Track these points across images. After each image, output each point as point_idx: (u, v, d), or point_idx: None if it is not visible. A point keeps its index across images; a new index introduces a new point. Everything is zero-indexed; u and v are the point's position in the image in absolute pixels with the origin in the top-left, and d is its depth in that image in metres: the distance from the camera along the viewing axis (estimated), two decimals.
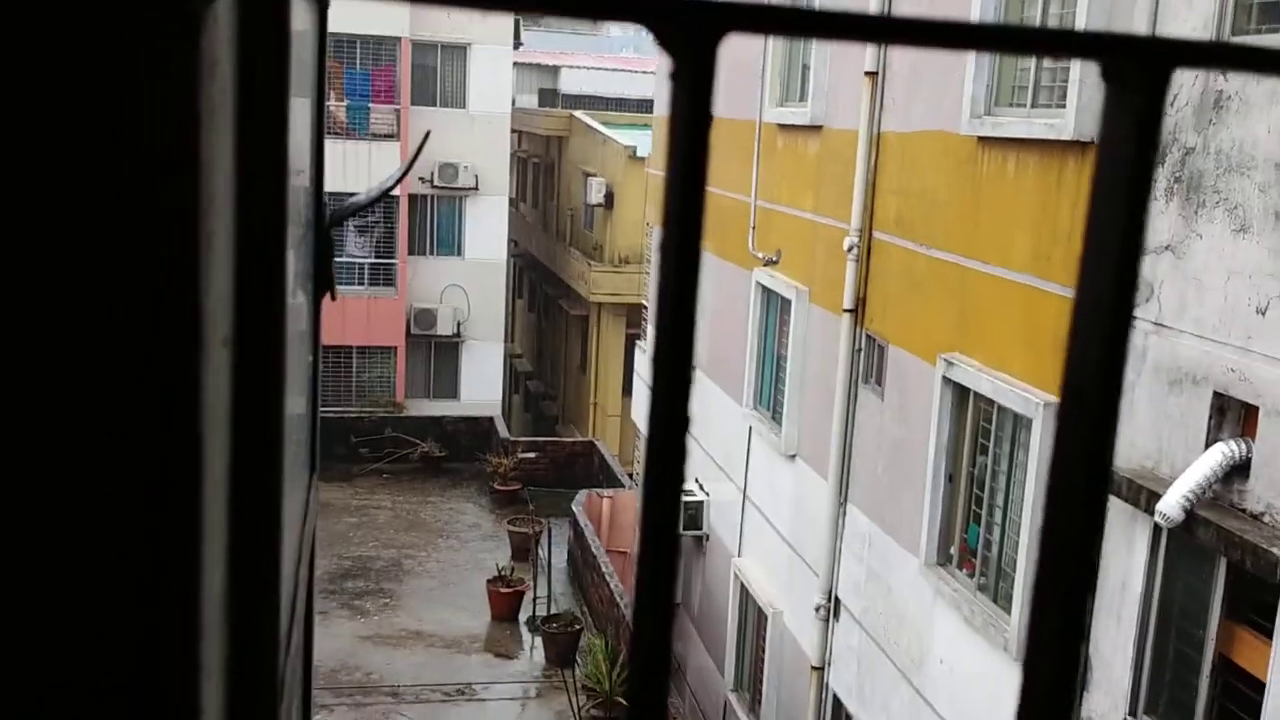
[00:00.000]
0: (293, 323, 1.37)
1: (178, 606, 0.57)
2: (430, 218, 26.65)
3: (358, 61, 25.35)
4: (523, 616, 17.30)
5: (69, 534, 0.54)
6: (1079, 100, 7.26)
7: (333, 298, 1.81)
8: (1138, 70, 0.45)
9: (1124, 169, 0.45)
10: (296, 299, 1.54)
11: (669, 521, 0.43)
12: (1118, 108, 0.45)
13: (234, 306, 0.73)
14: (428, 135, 3.47)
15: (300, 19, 1.44)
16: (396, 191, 24.76)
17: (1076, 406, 0.48)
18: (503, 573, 17.55)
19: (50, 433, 0.53)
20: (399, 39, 25.25)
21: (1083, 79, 7.25)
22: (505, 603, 17.25)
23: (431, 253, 26.71)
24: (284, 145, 0.82)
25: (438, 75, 26.03)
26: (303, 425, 1.67)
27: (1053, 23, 7.93)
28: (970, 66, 8.50)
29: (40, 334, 0.51)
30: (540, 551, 18.03)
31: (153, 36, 0.47)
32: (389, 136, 25.04)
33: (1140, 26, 6.75)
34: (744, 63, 13.19)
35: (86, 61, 0.47)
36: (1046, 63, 8.00)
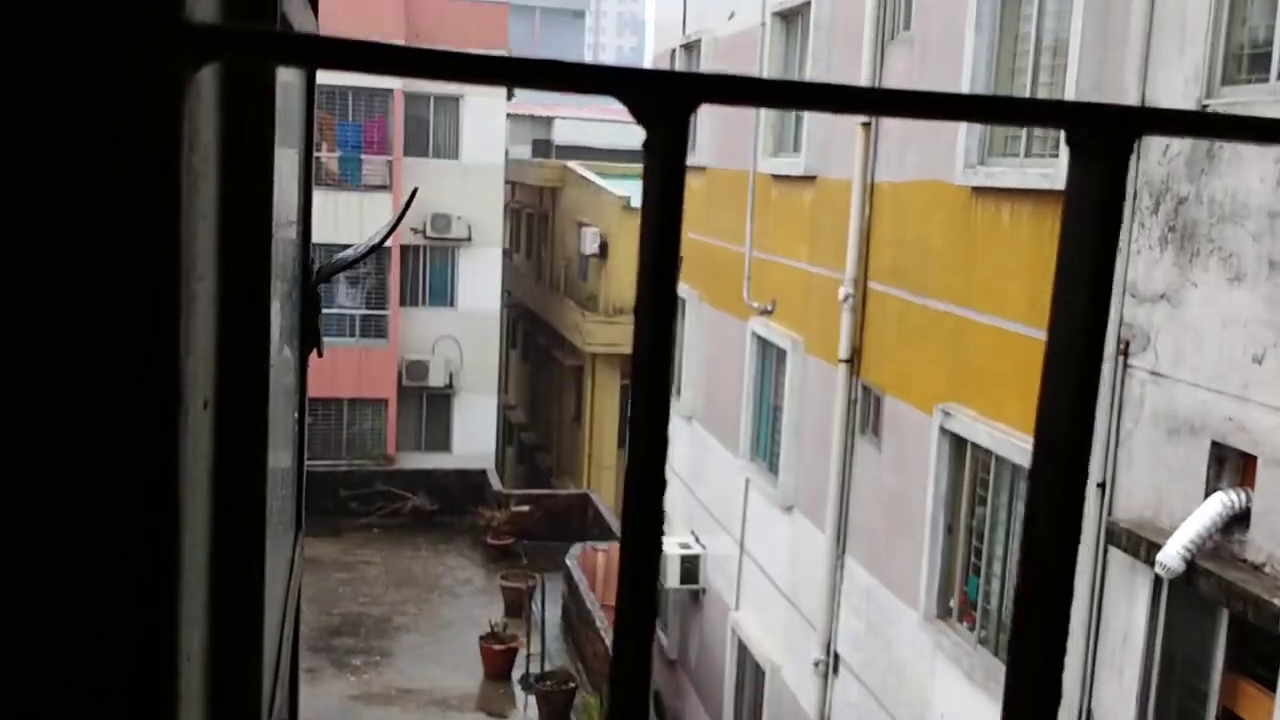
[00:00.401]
0: (277, 380, 1.33)
1: (155, 666, 0.57)
2: (423, 268, 26.69)
3: (350, 113, 25.53)
4: (516, 674, 17.07)
5: (39, 594, 0.54)
6: None
7: (319, 354, 1.76)
8: (1101, 138, 0.46)
9: (1089, 235, 0.47)
10: (283, 355, 1.50)
11: (649, 574, 0.44)
12: (1081, 174, 0.46)
13: (216, 368, 0.71)
14: (414, 192, 3.46)
15: (286, 72, 1.42)
16: (389, 243, 24.81)
17: (1049, 461, 0.50)
18: (495, 629, 17.35)
19: (24, 494, 0.52)
20: (391, 91, 25.45)
21: None
22: (498, 660, 17.03)
23: (424, 303, 26.72)
24: (268, 210, 0.82)
25: (430, 126, 26.21)
26: (288, 483, 1.62)
27: (1044, 73, 7.98)
28: None
29: (16, 399, 0.51)
30: (534, 607, 17.84)
31: (134, 108, 0.48)
32: (381, 187, 25.15)
33: (1131, 77, 6.79)
34: (737, 114, 13.28)
35: (70, 130, 0.48)
36: None
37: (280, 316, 1.46)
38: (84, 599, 0.54)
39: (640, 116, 0.41)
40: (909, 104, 0.45)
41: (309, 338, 1.74)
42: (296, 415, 1.73)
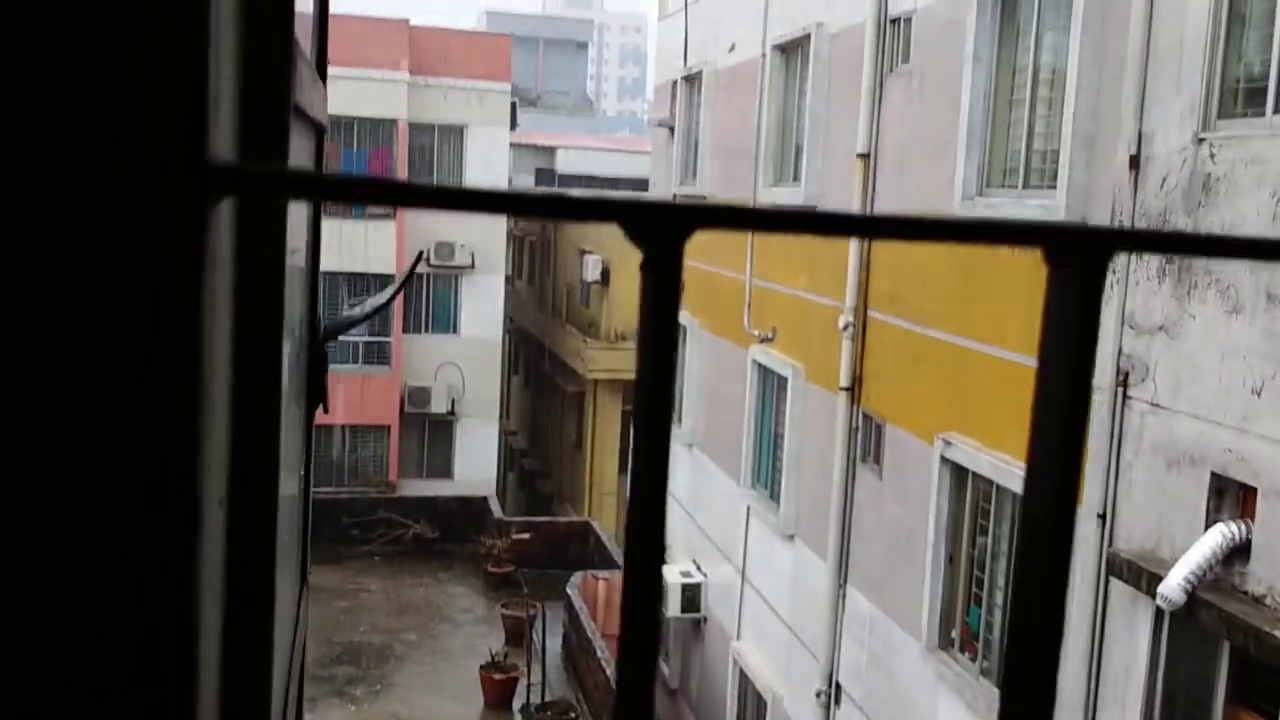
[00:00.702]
0: (289, 448, 1.37)
1: None
2: (426, 296, 26.76)
3: (355, 142, 25.66)
4: (517, 704, 16.98)
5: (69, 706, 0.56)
6: (1070, 181, 7.34)
7: (325, 410, 1.79)
8: (1077, 257, 0.48)
9: (1068, 347, 0.49)
10: (290, 413, 1.53)
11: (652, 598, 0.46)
12: (1059, 289, 0.49)
13: (229, 468, 0.74)
14: (421, 255, 3.51)
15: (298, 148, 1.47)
16: (392, 270, 24.89)
17: (1028, 568, 0.51)
18: (496, 658, 17.27)
19: (41, 608, 0.54)
20: (396, 121, 25.58)
21: (1073, 161, 7.33)
22: (498, 690, 16.95)
23: (427, 330, 26.78)
24: (280, 315, 0.85)
25: (434, 156, 26.34)
26: (293, 539, 1.64)
27: (1041, 105, 8.04)
28: (962, 148, 8.60)
29: (41, 505, 0.53)
30: (534, 636, 17.78)
31: (159, 244, 0.52)
32: (385, 216, 25.24)
33: (1128, 110, 6.84)
34: (739, 143, 13.36)
35: (102, 265, 0.52)
36: (1037, 144, 8.10)
37: (289, 379, 1.49)
38: (106, 703, 0.55)
39: (638, 240, 0.44)
40: (895, 228, 0.48)
41: (316, 395, 1.77)
42: (302, 472, 1.75)
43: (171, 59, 0.51)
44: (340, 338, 26.39)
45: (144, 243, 0.51)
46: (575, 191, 0.44)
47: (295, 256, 1.47)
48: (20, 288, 0.51)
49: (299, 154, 1.46)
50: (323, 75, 1.84)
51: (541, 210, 0.44)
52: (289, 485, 1.46)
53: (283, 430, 1.29)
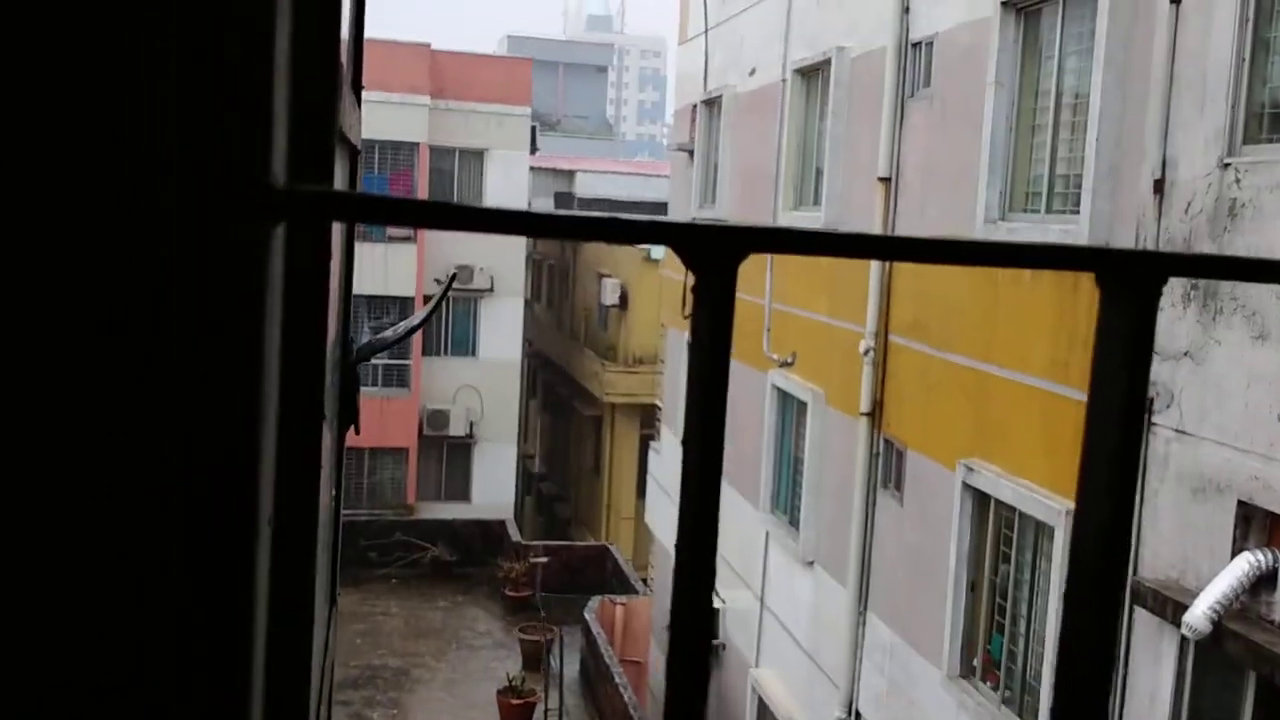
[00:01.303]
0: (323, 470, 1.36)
1: None
2: (445, 319, 26.84)
3: (376, 166, 25.82)
4: None
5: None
6: (1093, 206, 7.30)
7: (357, 432, 1.78)
8: (1130, 281, 0.47)
9: (1120, 373, 0.47)
10: (325, 436, 1.52)
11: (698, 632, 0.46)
12: (1111, 313, 0.48)
13: (276, 488, 0.75)
14: (454, 276, 3.51)
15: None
16: (412, 293, 24.99)
17: (1080, 596, 0.50)
18: (513, 683, 17.21)
19: (107, 613, 0.55)
20: (417, 144, 25.74)
21: (1095, 187, 7.29)
22: (516, 714, 16.88)
23: (446, 353, 26.85)
24: (323, 334, 0.87)
25: (455, 179, 26.47)
26: (324, 560, 1.63)
27: (1064, 129, 8.01)
28: (984, 172, 8.58)
29: (97, 525, 0.54)
30: (552, 661, 17.71)
31: (225, 264, 0.53)
32: (406, 239, 25.37)
33: (1152, 136, 6.81)
34: (758, 167, 13.38)
35: (163, 281, 0.53)
36: (1060, 169, 8.07)
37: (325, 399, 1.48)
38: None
39: (691, 264, 0.43)
40: (943, 252, 0.47)
41: (348, 416, 1.76)
42: (334, 493, 1.74)
43: (238, 83, 0.53)
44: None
45: (210, 263, 0.52)
46: (626, 215, 0.42)
47: (331, 279, 1.47)
48: (86, 308, 0.53)
49: (338, 176, 1.46)
50: (358, 97, 1.85)
51: (595, 233, 0.44)
52: (324, 503, 1.45)
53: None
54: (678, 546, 0.44)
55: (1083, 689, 0.48)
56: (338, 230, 1.62)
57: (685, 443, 0.44)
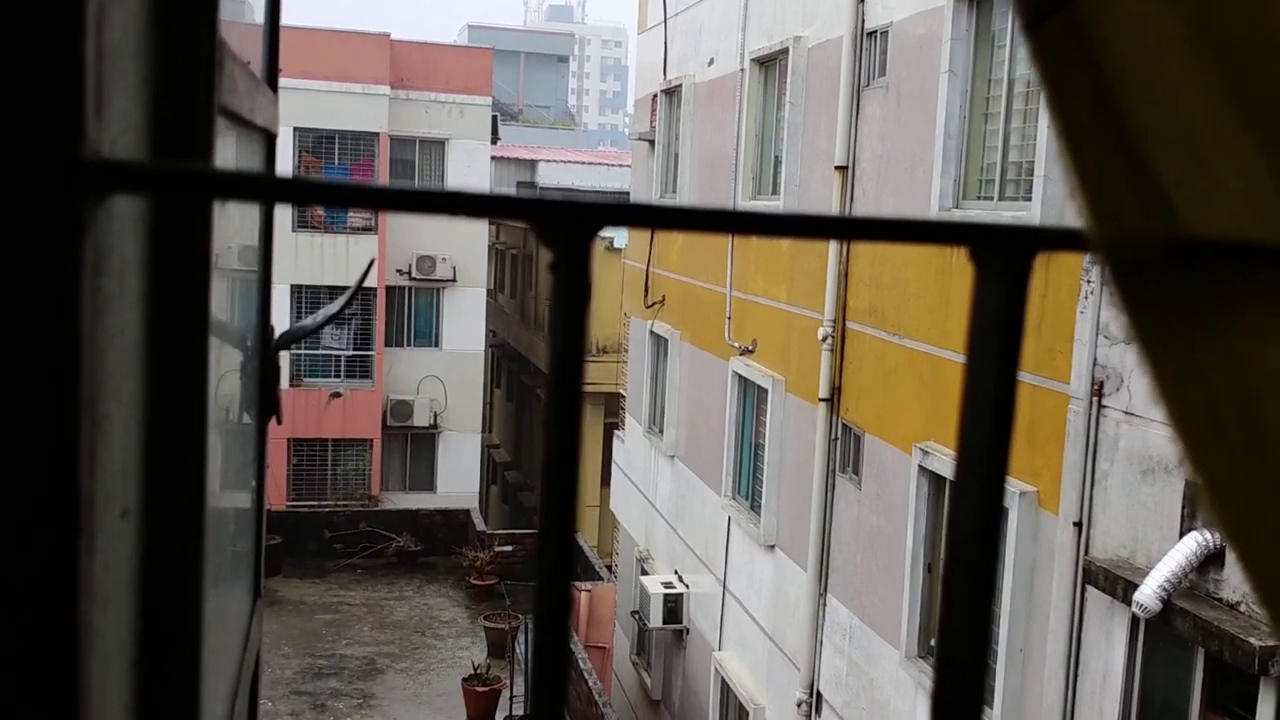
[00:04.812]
0: (231, 459, 1.37)
1: None
2: (408, 309, 26.73)
3: (337, 156, 25.64)
4: (499, 716, 16.94)
5: None
6: (1045, 191, 7.41)
7: (278, 421, 1.80)
8: (1002, 256, 0.47)
9: (993, 346, 0.47)
10: (242, 424, 1.54)
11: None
12: (984, 289, 0.48)
13: (142, 477, 0.74)
14: (372, 262, 3.53)
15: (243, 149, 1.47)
16: (374, 284, 24.86)
17: (957, 566, 0.48)
18: (479, 671, 17.23)
19: None
20: (377, 134, 25.58)
21: (1047, 173, 7.41)
22: (481, 702, 16.91)
23: (409, 344, 26.74)
24: (204, 318, 0.85)
25: (415, 169, 26.32)
26: (246, 554, 1.65)
27: (1017, 118, 8.12)
28: (939, 160, 8.67)
29: None
30: (517, 648, 17.75)
31: (25, 243, 0.49)
32: (366, 229, 25.23)
33: None
34: (719, 156, 13.43)
35: None
36: (1013, 155, 8.18)
37: (241, 387, 1.50)
38: None
39: (546, 240, 0.44)
40: (821, 227, 0.46)
41: (268, 406, 1.78)
42: (255, 484, 1.76)
43: (42, 51, 0.49)
44: (323, 352, 26.24)
45: (9, 241, 0.49)
46: (473, 190, 0.45)
47: (240, 263, 1.48)
48: None
49: (245, 159, 1.47)
50: (273, 85, 1.85)
51: (448, 208, 0.43)
52: (236, 498, 1.46)
53: (225, 441, 1.29)
54: (538, 538, 0.47)
55: (959, 673, 0.47)
56: (251, 213, 1.63)
57: (545, 422, 0.45)
